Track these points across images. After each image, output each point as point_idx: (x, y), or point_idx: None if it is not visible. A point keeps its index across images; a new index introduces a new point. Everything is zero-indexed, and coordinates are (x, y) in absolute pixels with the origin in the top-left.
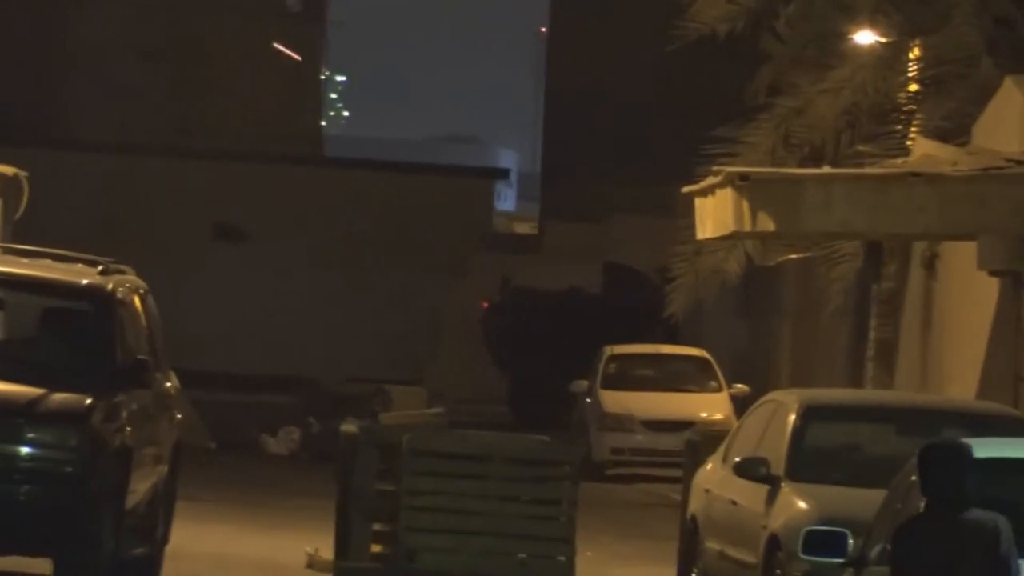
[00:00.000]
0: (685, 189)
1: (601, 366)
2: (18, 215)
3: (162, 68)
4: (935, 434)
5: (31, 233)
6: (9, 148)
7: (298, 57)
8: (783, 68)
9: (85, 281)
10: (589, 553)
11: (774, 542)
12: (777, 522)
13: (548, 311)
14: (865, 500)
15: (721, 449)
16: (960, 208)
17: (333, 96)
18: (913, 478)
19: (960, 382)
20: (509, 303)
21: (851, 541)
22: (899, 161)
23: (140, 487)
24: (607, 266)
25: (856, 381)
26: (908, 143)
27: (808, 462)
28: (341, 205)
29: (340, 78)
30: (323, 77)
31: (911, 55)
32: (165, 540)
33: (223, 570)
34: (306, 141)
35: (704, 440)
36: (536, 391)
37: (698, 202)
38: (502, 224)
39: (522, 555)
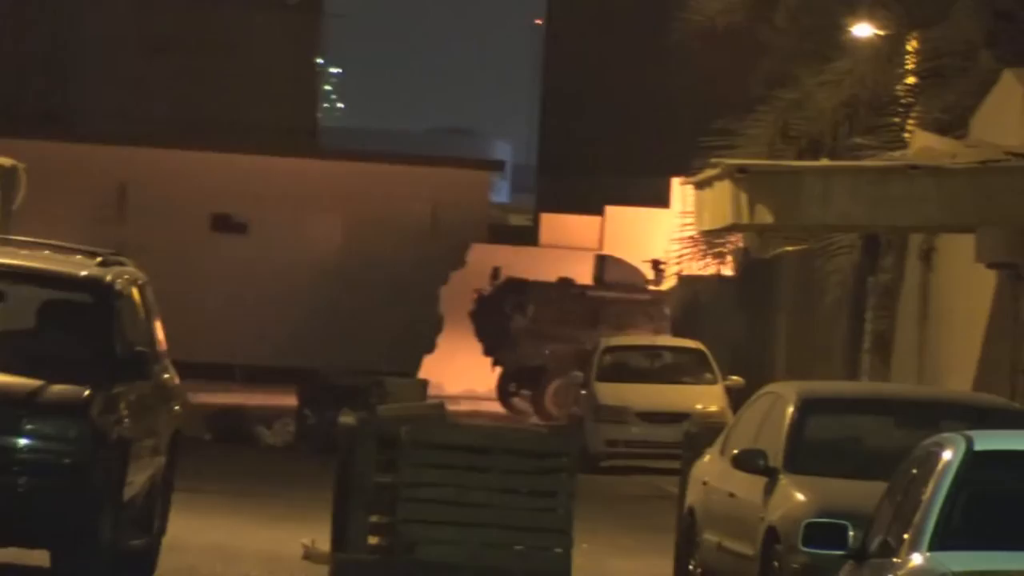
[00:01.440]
0: (683, 181)
1: (596, 358)
2: (15, 206)
3: (165, 60)
4: (934, 426)
5: (34, 224)
6: (14, 139)
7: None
8: (782, 60)
9: (84, 272)
10: (585, 545)
11: (772, 534)
12: (775, 514)
13: (537, 302)
14: (864, 492)
15: (719, 441)
16: (962, 201)
17: (327, 88)
18: (914, 471)
19: (958, 374)
20: (498, 294)
21: (851, 533)
22: (897, 154)
23: (138, 479)
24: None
25: (853, 373)
26: (906, 135)
27: (806, 454)
28: (338, 197)
29: (335, 70)
30: (318, 70)
31: (910, 48)
32: (162, 531)
33: (221, 562)
34: (303, 133)
35: (702, 432)
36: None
37: (696, 194)
38: (496, 216)
39: (519, 547)
